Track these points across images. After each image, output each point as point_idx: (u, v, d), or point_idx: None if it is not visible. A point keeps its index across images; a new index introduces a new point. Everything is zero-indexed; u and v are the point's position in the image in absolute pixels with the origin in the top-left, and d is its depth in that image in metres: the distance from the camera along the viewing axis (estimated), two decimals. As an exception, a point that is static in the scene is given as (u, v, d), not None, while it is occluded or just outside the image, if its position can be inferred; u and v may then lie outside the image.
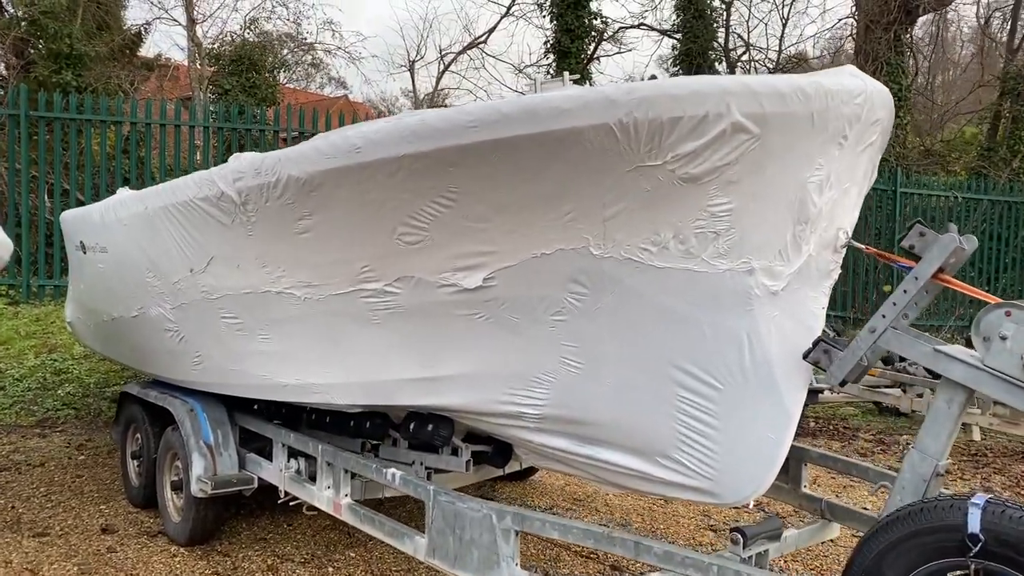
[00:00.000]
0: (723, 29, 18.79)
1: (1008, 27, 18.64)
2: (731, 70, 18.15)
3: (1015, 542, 1.98)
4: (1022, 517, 2.01)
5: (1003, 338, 2.29)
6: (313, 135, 11.04)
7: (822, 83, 2.55)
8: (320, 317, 3.42)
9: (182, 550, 4.32)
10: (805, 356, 2.73)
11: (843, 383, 2.70)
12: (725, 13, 18.73)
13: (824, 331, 2.89)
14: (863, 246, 2.86)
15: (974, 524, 2.02)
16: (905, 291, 2.55)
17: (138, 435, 5.09)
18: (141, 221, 4.08)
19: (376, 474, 3.46)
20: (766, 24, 28.78)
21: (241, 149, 10.91)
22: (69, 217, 5.66)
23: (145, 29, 20.48)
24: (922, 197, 13.32)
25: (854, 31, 15.67)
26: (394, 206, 2.87)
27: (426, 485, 3.20)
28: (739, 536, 2.88)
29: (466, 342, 3.08)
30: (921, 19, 16.30)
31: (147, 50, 21.31)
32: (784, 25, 26.42)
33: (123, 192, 5.19)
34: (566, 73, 3.10)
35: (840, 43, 19.60)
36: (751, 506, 3.18)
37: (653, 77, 3.11)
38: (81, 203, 10.07)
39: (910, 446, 2.54)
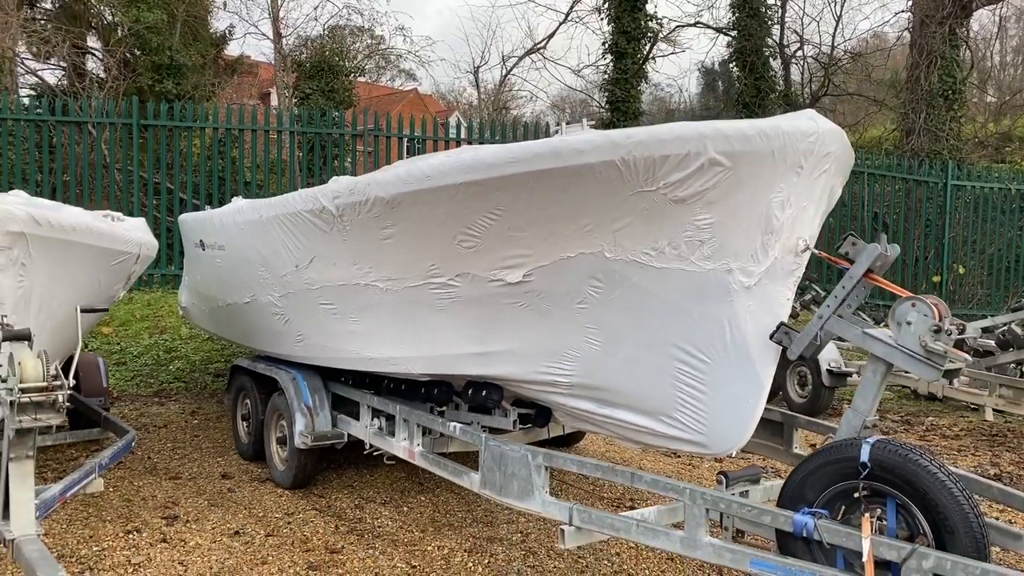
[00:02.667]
0: (778, 26, 19.08)
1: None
2: (785, 66, 18.47)
3: (891, 467, 2.75)
4: (898, 450, 2.77)
5: (908, 323, 3.03)
6: (387, 136, 11.94)
7: (780, 126, 3.28)
8: (398, 304, 4.33)
9: (287, 492, 5.34)
10: (771, 336, 3.48)
11: (801, 357, 3.45)
12: (780, 10, 19.01)
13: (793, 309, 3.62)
14: (817, 251, 3.58)
15: (865, 455, 2.79)
16: (844, 287, 3.29)
17: (247, 400, 6.14)
18: (256, 226, 5.07)
19: (441, 426, 4.38)
20: (818, 21, 28.63)
21: (322, 150, 12.02)
22: (188, 219, 6.76)
23: (229, 32, 22.00)
24: (975, 189, 13.52)
25: (910, 25, 15.83)
26: (455, 219, 3.74)
27: (478, 433, 4.10)
28: (723, 477, 3.68)
29: (511, 324, 3.94)
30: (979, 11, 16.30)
31: (229, 50, 22.85)
32: (838, 21, 26.40)
33: (238, 201, 6.24)
34: (584, 119, 3.90)
35: (898, 36, 19.58)
36: (734, 455, 3.88)
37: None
38: (183, 201, 11.35)
39: (846, 405, 3.29)
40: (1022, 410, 6.53)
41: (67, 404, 2.98)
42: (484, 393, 4.43)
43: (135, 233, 4.43)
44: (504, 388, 4.36)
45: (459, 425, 4.29)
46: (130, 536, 4.50)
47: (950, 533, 2.64)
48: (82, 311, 3.54)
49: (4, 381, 2.99)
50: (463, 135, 12.46)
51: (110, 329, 9.83)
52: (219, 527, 4.67)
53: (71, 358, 3.78)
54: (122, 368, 9.04)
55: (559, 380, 3.89)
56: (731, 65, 18.45)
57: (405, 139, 12.16)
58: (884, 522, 2.82)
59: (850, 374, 7.94)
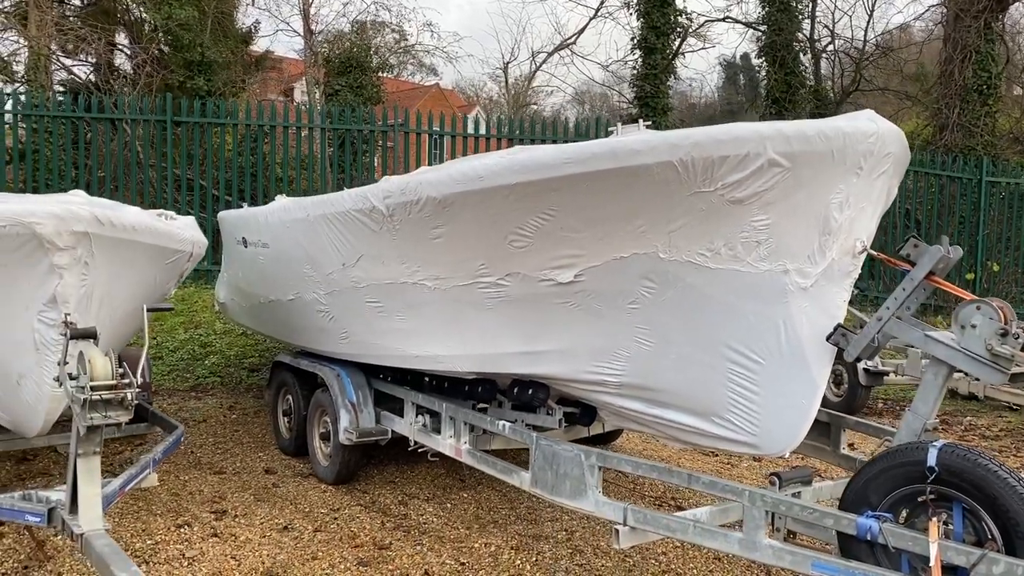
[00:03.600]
0: (808, 20, 18.92)
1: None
2: (815, 61, 18.29)
3: (959, 471, 2.73)
4: (966, 455, 2.76)
5: (973, 326, 3.01)
6: (417, 132, 11.99)
7: (841, 127, 3.27)
8: (446, 303, 4.35)
9: (330, 487, 5.40)
10: (828, 338, 3.46)
11: (858, 359, 3.43)
12: (811, 4, 18.84)
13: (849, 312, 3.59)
14: (875, 253, 3.56)
15: (932, 459, 2.78)
16: (904, 289, 3.27)
17: (288, 396, 6.21)
18: (302, 224, 5.11)
19: (491, 425, 4.40)
20: (850, 16, 28.35)
21: (352, 146, 12.08)
22: (230, 216, 6.83)
23: (255, 27, 22.15)
24: (1010, 185, 13.33)
25: (944, 19, 15.63)
26: (507, 219, 3.75)
27: (529, 432, 4.11)
28: (776, 478, 3.67)
29: (560, 324, 3.94)
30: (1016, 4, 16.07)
31: (256, 46, 23.01)
32: (870, 15, 26.10)
33: (281, 199, 6.29)
34: (640, 120, 3.89)
35: (930, 31, 19.34)
36: (787, 456, 3.86)
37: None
38: (216, 198, 11.46)
39: (906, 409, 3.28)
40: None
41: (135, 402, 3.04)
42: (531, 392, 4.44)
43: (188, 232, 4.50)
44: (551, 387, 4.38)
45: (508, 424, 4.31)
46: (181, 530, 4.57)
47: (1021, 539, 2.63)
48: (148, 310, 3.59)
49: (75, 379, 3.05)
50: (491, 131, 12.47)
51: (146, 324, 9.95)
52: (267, 522, 4.73)
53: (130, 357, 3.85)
54: (159, 363, 9.14)
55: (608, 380, 3.89)
56: (760, 59, 18.30)
57: (435, 135, 12.20)
58: (950, 527, 2.81)
59: (887, 373, 7.87)
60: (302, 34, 19.13)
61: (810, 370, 3.48)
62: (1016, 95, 19.06)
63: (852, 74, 19.77)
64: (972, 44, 13.93)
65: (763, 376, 3.45)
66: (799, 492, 3.75)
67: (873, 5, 22.81)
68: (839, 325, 3.44)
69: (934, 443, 2.82)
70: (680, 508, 5.11)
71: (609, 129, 4.04)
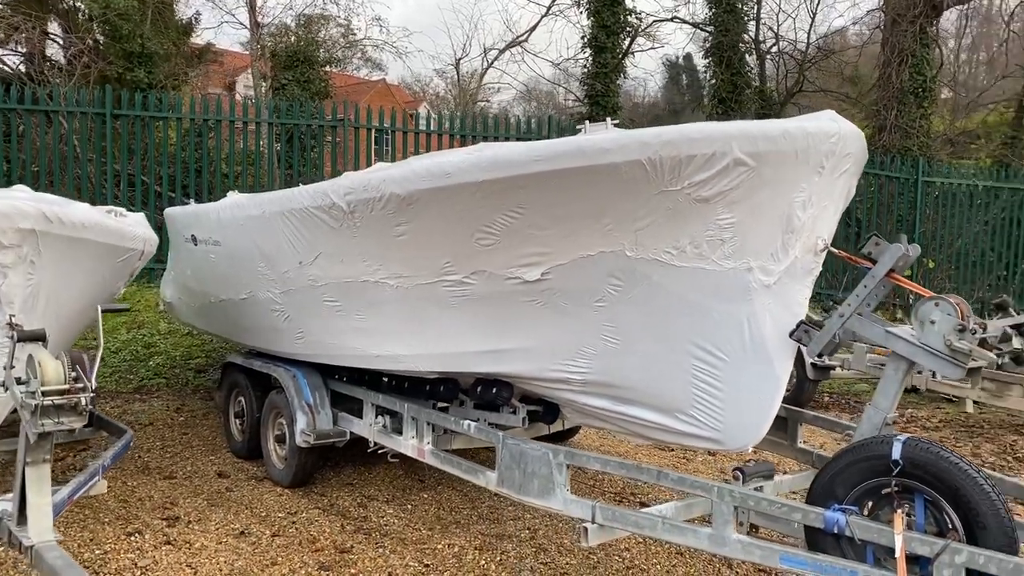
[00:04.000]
0: (754, 22, 19.32)
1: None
2: (760, 62, 18.67)
3: (923, 464, 2.81)
4: (929, 448, 2.83)
5: (932, 322, 3.09)
6: (368, 128, 11.85)
7: (804, 127, 3.32)
8: (408, 301, 4.28)
9: (287, 490, 5.28)
10: (791, 335, 3.52)
11: (820, 355, 3.50)
12: (756, 6, 19.24)
13: (807, 315, 3.68)
14: (836, 251, 3.63)
15: (896, 453, 2.85)
16: (865, 286, 3.35)
17: (241, 398, 6.05)
18: (257, 221, 4.98)
19: (455, 425, 4.36)
20: (794, 19, 29.09)
21: (300, 141, 11.85)
22: (177, 213, 6.62)
23: (196, 18, 21.54)
24: (944, 185, 13.81)
25: (882, 23, 16.11)
26: (473, 217, 3.71)
27: (496, 432, 4.08)
28: (739, 473, 3.72)
29: (526, 322, 3.92)
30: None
31: (199, 36, 22.41)
32: (813, 18, 26.78)
33: (233, 195, 6.12)
34: (608, 118, 3.89)
35: (868, 35, 19.95)
36: (750, 451, 3.93)
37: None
38: (158, 194, 11.11)
39: (867, 403, 3.35)
40: (1004, 402, 6.73)
41: (90, 407, 2.90)
42: (494, 391, 4.41)
43: (139, 229, 4.33)
44: (515, 386, 4.35)
45: (473, 423, 4.27)
46: (132, 538, 4.41)
47: (982, 529, 2.71)
48: (102, 311, 3.43)
49: (24, 383, 2.90)
50: (442, 127, 12.38)
51: (86, 324, 9.60)
52: (223, 528, 4.60)
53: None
54: (100, 364, 8.80)
55: (573, 377, 3.89)
56: (707, 60, 18.60)
57: (382, 131, 12.05)
58: (912, 518, 2.88)
59: (833, 367, 8.07)
60: (248, 26, 18.66)
61: (773, 366, 3.53)
62: (945, 98, 19.77)
63: (795, 75, 20.26)
64: (908, 48, 14.39)
65: (727, 372, 3.49)
66: (761, 486, 3.82)
67: (816, 8, 23.38)
68: (801, 322, 3.50)
69: (898, 437, 2.89)
70: (643, 504, 5.15)
71: (577, 128, 4.03)
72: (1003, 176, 13.96)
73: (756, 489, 3.78)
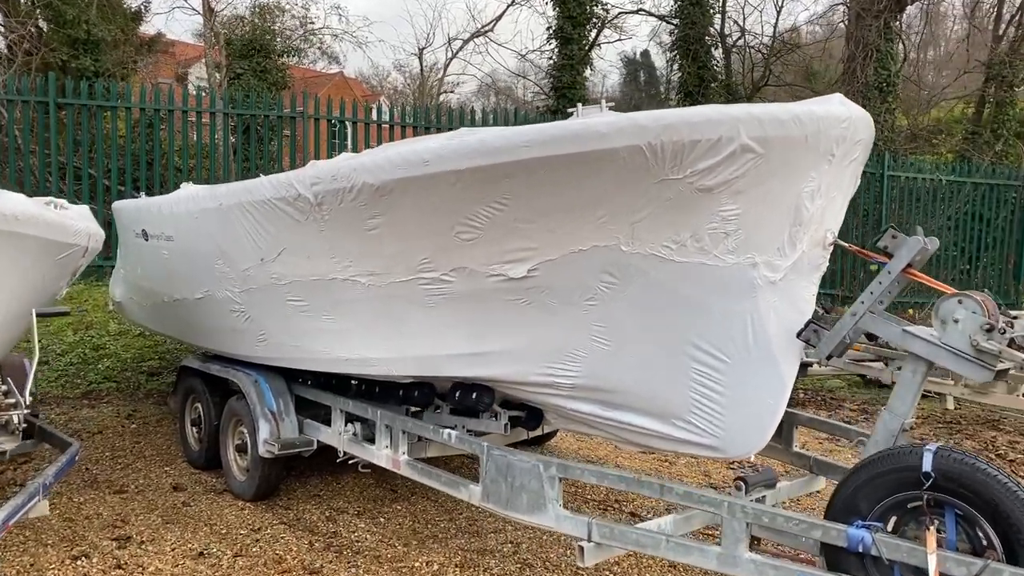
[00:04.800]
0: (719, 15, 19.24)
1: (994, 15, 19.14)
2: (726, 55, 18.60)
3: (957, 477, 2.58)
4: (963, 459, 2.61)
5: (956, 321, 2.87)
6: (328, 119, 11.44)
7: (814, 111, 3.08)
8: (380, 301, 3.96)
9: (249, 504, 4.90)
10: (798, 335, 3.29)
11: (829, 357, 3.27)
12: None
13: (815, 311, 3.45)
14: (847, 244, 3.41)
15: (928, 464, 2.61)
16: (880, 282, 3.12)
17: (198, 404, 5.65)
18: (214, 215, 4.59)
19: (434, 434, 4.04)
20: (760, 12, 29.26)
21: (257, 133, 11.38)
22: (126, 207, 6.17)
23: (145, 6, 20.71)
24: (908, 179, 13.86)
25: (846, 18, 16.14)
26: (454, 209, 3.40)
27: (480, 442, 3.78)
28: (742, 483, 3.48)
29: (510, 322, 3.63)
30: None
31: (149, 26, 21.59)
32: (779, 12, 26.91)
33: (187, 187, 5.70)
34: (603, 100, 3.62)
35: (832, 29, 20.04)
36: (752, 459, 3.73)
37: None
38: (107, 188, 10.54)
39: (882, 408, 3.12)
40: (988, 399, 6.64)
41: (23, 424, 2.53)
42: (475, 395, 4.10)
43: (82, 223, 3.91)
44: (496, 390, 4.05)
45: (454, 432, 3.96)
46: (78, 563, 4.00)
47: (1023, 546, 2.49)
48: (37, 315, 3.04)
49: (-56, 401, 2.52)
50: (399, 119, 12.01)
51: (29, 325, 9.03)
52: (179, 548, 4.22)
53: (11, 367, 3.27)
54: (44, 368, 8.29)
55: (560, 381, 3.61)
56: (673, 53, 18.46)
57: (338, 123, 11.63)
58: (943, 535, 2.66)
59: (811, 364, 7.90)
60: (201, 12, 17.97)
61: (778, 368, 3.31)
62: (910, 93, 19.98)
63: (761, 69, 20.24)
64: (873, 43, 14.40)
65: (729, 376, 3.25)
66: (764, 496, 3.59)
67: (781, 3, 23.45)
68: (810, 321, 3.27)
69: (928, 447, 2.66)
70: (632, 513, 4.90)
71: (568, 111, 3.73)
72: (965, 171, 14.06)
73: (759, 499, 3.56)
